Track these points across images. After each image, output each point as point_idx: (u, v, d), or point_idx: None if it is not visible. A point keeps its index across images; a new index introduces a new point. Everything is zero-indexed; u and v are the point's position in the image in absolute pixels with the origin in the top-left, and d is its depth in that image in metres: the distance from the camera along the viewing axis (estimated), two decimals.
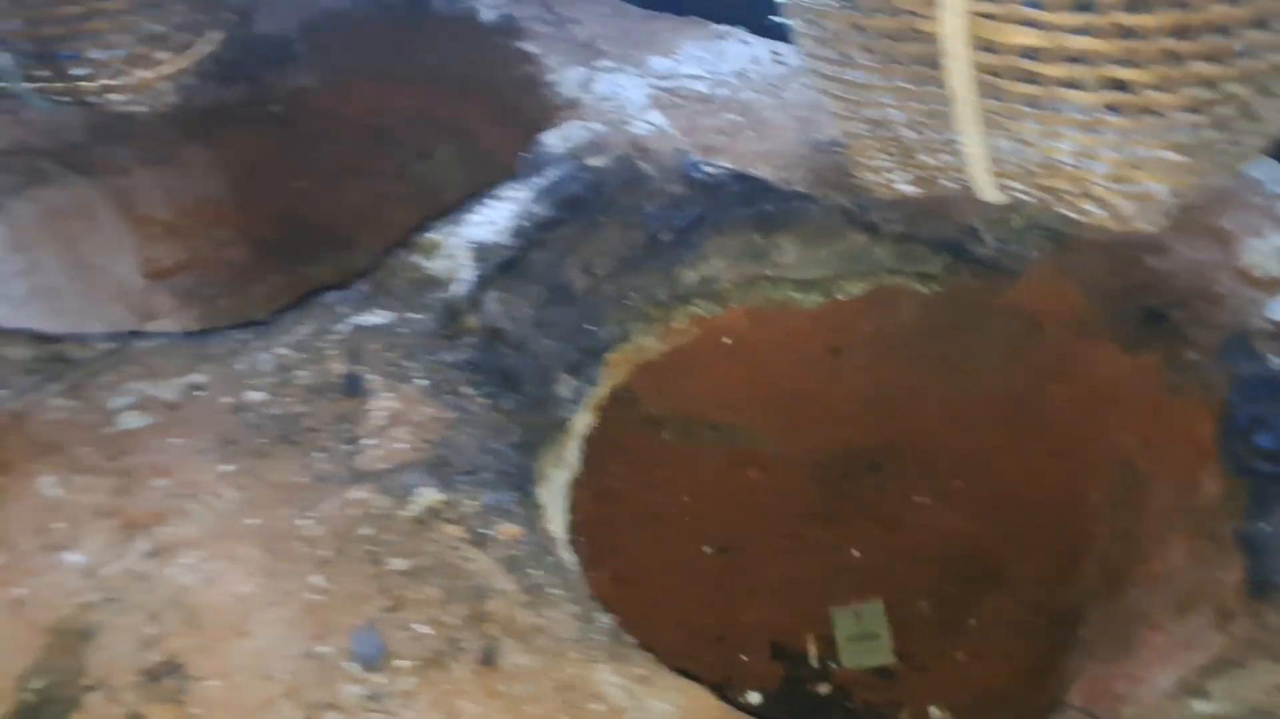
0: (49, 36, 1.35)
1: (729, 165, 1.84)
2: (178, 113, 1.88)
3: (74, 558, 1.19)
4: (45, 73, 1.39)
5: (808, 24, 1.19)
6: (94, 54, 1.37)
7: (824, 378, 2.23)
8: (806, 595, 2.33)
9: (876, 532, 2.38)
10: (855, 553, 2.36)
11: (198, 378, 1.39)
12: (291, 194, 2.58)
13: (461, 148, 2.53)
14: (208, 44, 1.49)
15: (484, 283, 1.48)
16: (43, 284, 2.09)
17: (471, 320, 1.45)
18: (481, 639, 1.07)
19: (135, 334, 1.45)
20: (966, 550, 2.29)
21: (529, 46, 2.14)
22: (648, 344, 1.77)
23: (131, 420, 1.32)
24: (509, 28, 2.19)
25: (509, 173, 2.34)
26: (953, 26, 0.93)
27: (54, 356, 1.40)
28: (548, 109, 2.02)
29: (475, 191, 2.60)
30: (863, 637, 2.20)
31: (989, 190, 1.23)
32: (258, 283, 2.58)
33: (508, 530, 1.17)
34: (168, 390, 1.37)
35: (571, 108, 1.95)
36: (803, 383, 2.24)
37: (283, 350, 1.43)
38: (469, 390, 1.39)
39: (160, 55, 1.41)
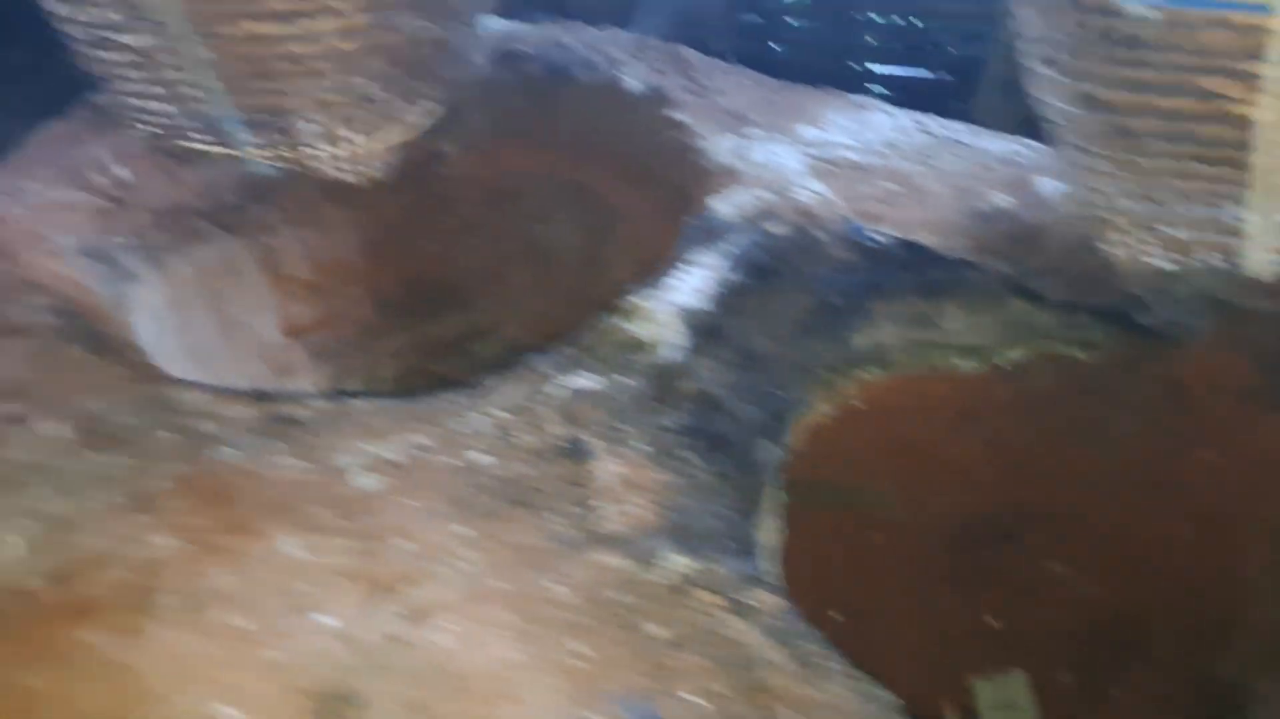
0: (273, 105, 1.38)
1: (893, 232, 1.86)
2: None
3: (326, 620, 1.18)
4: (267, 138, 1.42)
5: (1077, 102, 1.22)
6: (315, 122, 1.41)
7: (956, 442, 2.22)
8: (942, 664, 2.29)
9: (1011, 600, 2.35)
10: (991, 621, 2.33)
11: (419, 438, 1.40)
12: (419, 255, 2.61)
13: (589, 211, 2.57)
14: (424, 115, 1.53)
15: (693, 347, 1.50)
16: (194, 341, 2.12)
17: (683, 384, 1.47)
18: (761, 712, 1.06)
19: (348, 393, 1.46)
20: (1107, 620, 2.26)
21: (677, 115, 2.18)
22: (822, 408, 1.78)
23: (363, 480, 1.33)
24: (655, 96, 2.24)
25: (648, 237, 2.38)
26: (1277, 113, 0.95)
27: (276, 416, 1.41)
28: (701, 175, 2.06)
29: (595, 253, 2.66)
30: (1006, 707, 2.17)
31: (1261, 265, 1.25)
32: (385, 340, 2.61)
33: (767, 599, 1.17)
34: (392, 451, 1.37)
35: (728, 175, 1.99)
36: (933, 446, 2.24)
37: (497, 412, 1.44)
38: (688, 455, 1.39)
39: (380, 126, 1.45)
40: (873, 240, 1.84)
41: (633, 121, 2.28)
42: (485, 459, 1.37)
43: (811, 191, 1.91)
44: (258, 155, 1.43)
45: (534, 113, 2.40)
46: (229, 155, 1.44)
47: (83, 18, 1.38)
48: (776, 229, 1.77)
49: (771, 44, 3.46)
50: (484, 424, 1.42)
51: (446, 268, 2.70)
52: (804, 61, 3.38)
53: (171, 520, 1.28)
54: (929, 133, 2.14)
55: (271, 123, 1.38)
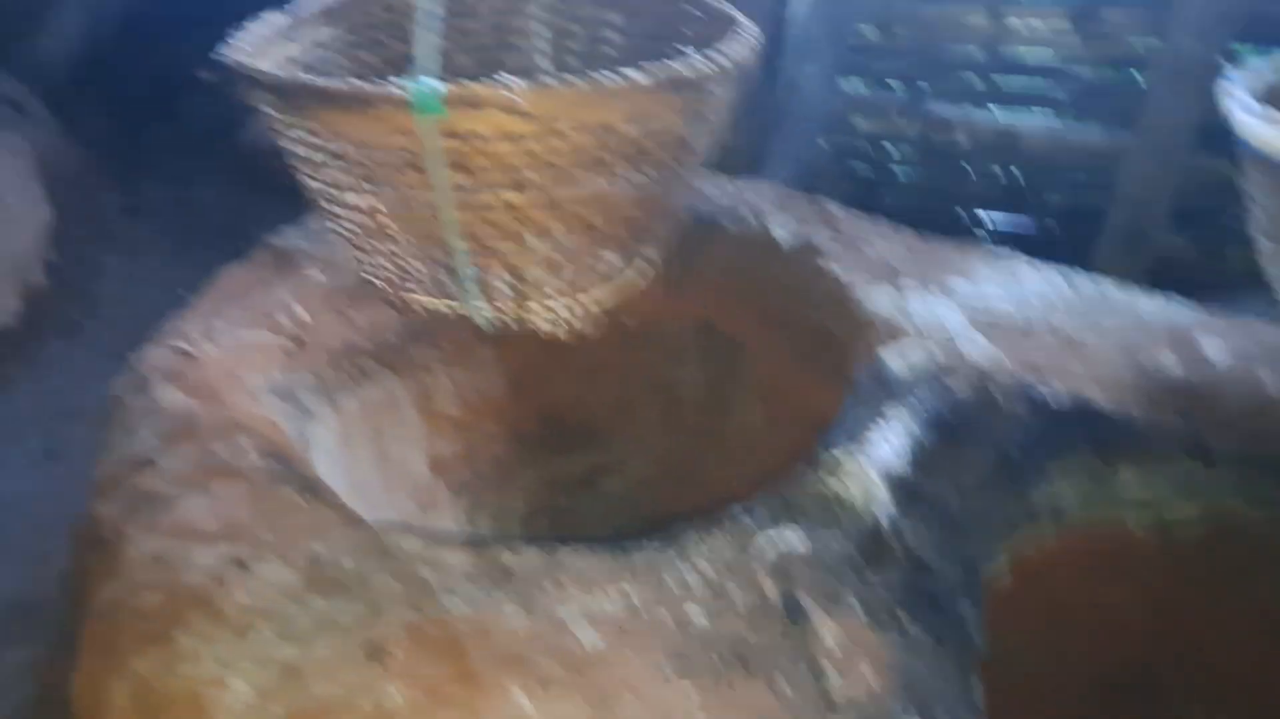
0: (507, 264, 1.46)
1: (1062, 389, 1.88)
2: None
3: None
4: (492, 295, 1.49)
5: None
6: (542, 282, 1.47)
7: (1092, 590, 2.18)
8: None
9: None
10: None
11: (632, 591, 1.40)
12: (554, 392, 2.67)
13: (719, 353, 2.62)
14: (639, 275, 1.60)
15: (896, 505, 1.51)
16: (358, 477, 2.16)
17: (891, 543, 1.47)
18: None
19: (558, 540, 1.48)
20: None
21: (829, 266, 2.24)
22: (1002, 565, 1.76)
23: (585, 633, 1.33)
24: (804, 246, 2.31)
25: (786, 385, 2.41)
26: None
27: (492, 563, 1.43)
28: (859, 327, 2.10)
29: (723, 394, 2.70)
30: None
31: None
32: (517, 475, 2.65)
33: None
34: (609, 603, 1.38)
35: (889, 327, 2.02)
36: (1083, 596, 2.20)
37: (705, 566, 1.45)
38: (904, 617, 1.38)
39: (601, 285, 1.52)
40: (1042, 396, 1.86)
41: (782, 271, 2.34)
42: (701, 615, 1.37)
43: (976, 346, 1.94)
44: (482, 310, 1.49)
45: (681, 261, 2.48)
46: (454, 309, 1.50)
47: (336, 202, 1.47)
48: (955, 385, 1.79)
49: (881, 192, 3.57)
50: (694, 579, 1.43)
51: (578, 405, 2.75)
52: (913, 209, 3.48)
53: (403, 669, 1.29)
54: (1078, 288, 2.17)
55: (501, 281, 1.45)
